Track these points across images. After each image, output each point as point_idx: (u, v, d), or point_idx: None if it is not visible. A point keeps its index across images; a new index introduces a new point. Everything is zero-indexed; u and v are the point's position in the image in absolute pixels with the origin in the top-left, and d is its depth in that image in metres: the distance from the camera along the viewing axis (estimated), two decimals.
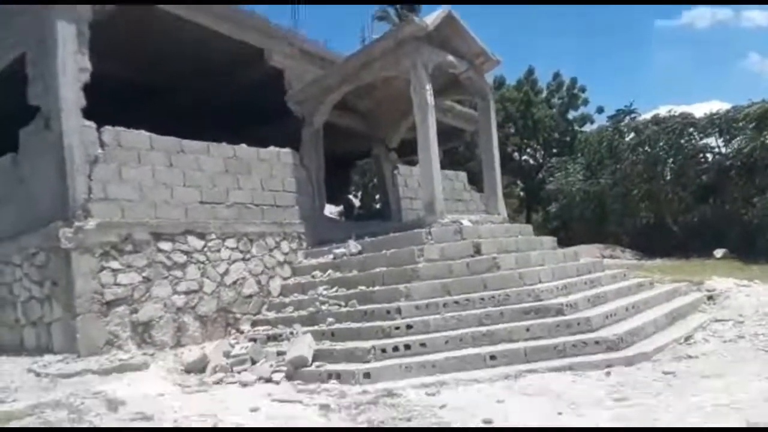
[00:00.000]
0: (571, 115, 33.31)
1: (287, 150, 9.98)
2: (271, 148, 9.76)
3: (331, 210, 21.91)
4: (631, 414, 4.30)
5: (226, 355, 7.18)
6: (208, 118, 12.03)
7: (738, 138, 16.98)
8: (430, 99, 8.99)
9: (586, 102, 32.66)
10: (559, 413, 4.56)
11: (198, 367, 6.90)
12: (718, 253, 15.53)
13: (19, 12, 7.83)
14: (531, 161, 34.82)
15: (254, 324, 8.51)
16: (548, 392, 5.20)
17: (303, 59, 10.65)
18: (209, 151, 8.77)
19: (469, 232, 8.76)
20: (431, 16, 9.29)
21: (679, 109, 19.47)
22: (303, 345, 6.86)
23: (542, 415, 4.55)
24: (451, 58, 9.66)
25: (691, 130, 18.01)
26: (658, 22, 68.76)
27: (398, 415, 4.78)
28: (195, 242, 8.23)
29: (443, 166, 15.75)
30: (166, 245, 7.87)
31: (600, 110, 32.25)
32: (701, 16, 73.13)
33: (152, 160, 8.00)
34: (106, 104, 9.54)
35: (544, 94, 33.03)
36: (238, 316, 8.58)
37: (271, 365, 6.78)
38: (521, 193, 35.34)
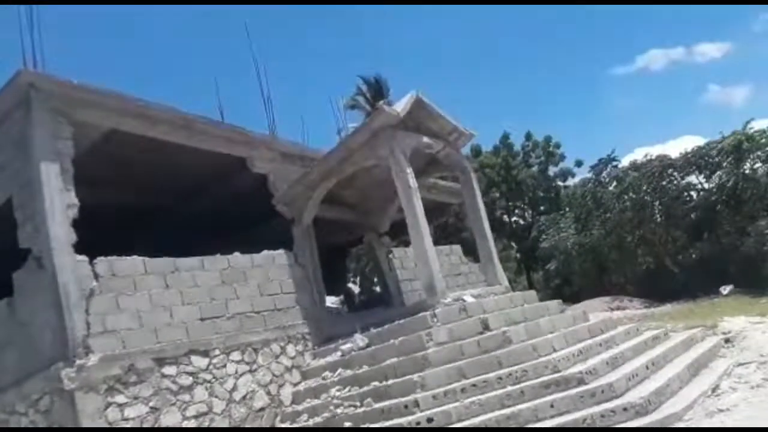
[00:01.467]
0: (552, 171, 34.05)
1: (281, 252, 10.00)
2: (265, 253, 9.77)
3: (332, 301, 21.76)
4: None
5: None
6: (203, 229, 12.16)
7: (718, 173, 17.35)
8: (413, 181, 9.16)
9: (563, 157, 33.50)
10: None
11: None
12: (725, 290, 15.44)
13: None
14: (521, 221, 35.14)
15: None
16: None
17: (284, 161, 10.90)
18: (204, 265, 8.75)
19: (474, 309, 8.66)
20: (401, 103, 9.65)
21: (655, 152, 20.05)
22: None
23: None
24: (426, 139, 9.94)
25: (671, 170, 18.41)
26: (612, 69, 71.80)
27: None
28: (199, 361, 8.04)
29: (436, 242, 15.80)
30: (170, 369, 7.67)
31: (579, 163, 32.99)
32: (654, 58, 76.63)
33: (148, 284, 7.95)
34: (106, 230, 9.74)
35: (521, 156, 33.86)
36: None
37: None
38: (517, 255, 35.39)
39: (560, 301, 10.23)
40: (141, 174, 10.04)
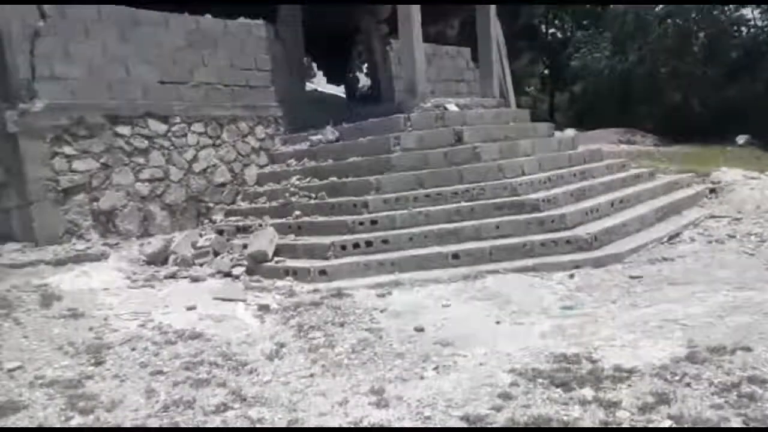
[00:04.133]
0: None
1: (260, 22, 9.09)
2: (241, 20, 8.90)
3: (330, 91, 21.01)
4: (570, 326, 3.97)
5: (194, 246, 7.00)
6: None
7: None
8: None
9: None
10: (497, 322, 4.26)
11: (159, 258, 6.73)
12: (740, 139, 14.54)
13: None
14: (559, 35, 32.47)
15: (228, 214, 8.24)
16: (499, 296, 4.89)
17: None
18: (168, 23, 7.97)
19: (454, 118, 8.10)
20: None
21: None
22: (264, 239, 6.60)
23: (479, 323, 4.27)
24: None
25: None
26: None
27: (333, 318, 4.55)
28: (157, 126, 7.76)
29: (457, 42, 14.57)
30: (124, 129, 7.42)
31: None
32: None
33: (102, 33, 7.30)
34: None
35: None
36: (211, 205, 8.30)
37: (232, 259, 6.59)
38: (545, 71, 33.37)
39: (552, 125, 9.54)
40: None
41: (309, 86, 24.93)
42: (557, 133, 10.67)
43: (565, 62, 28.68)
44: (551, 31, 32.42)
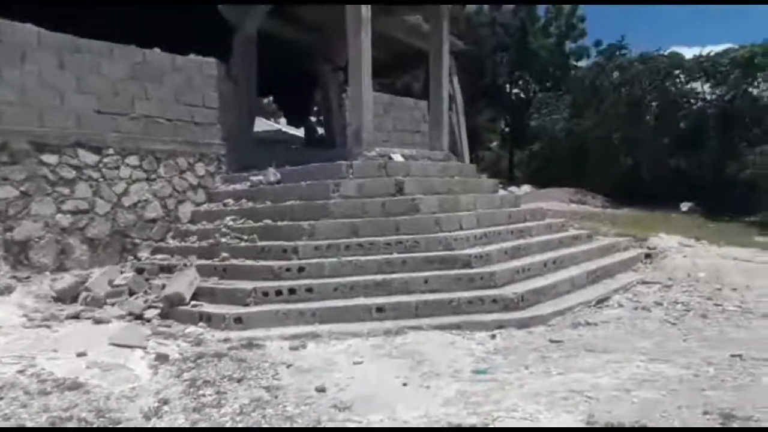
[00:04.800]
0: (568, 47, 31.67)
1: (211, 59, 9.00)
2: (192, 56, 8.79)
3: (293, 132, 20.99)
4: (476, 393, 3.77)
5: (110, 284, 6.62)
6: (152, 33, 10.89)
7: (723, 85, 15.95)
8: (366, 11, 8.00)
9: (583, 33, 30.94)
10: (405, 384, 4.05)
11: (69, 295, 6.33)
12: (684, 206, 14.96)
13: None
14: (522, 95, 33.47)
15: (155, 251, 7.90)
16: (414, 355, 4.68)
17: None
18: (113, 53, 7.81)
19: (397, 169, 8.04)
20: None
21: (690, 53, 18.28)
22: (184, 280, 6.29)
23: (386, 385, 4.04)
24: None
25: (678, 72, 16.91)
26: None
27: (233, 372, 4.25)
28: (88, 157, 7.46)
29: (420, 94, 14.72)
30: (51, 158, 7.10)
31: (598, 43, 30.34)
32: None
33: (40, 59, 7.08)
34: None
35: (542, 21, 31.21)
36: (138, 241, 7.95)
37: (147, 300, 6.24)
38: (506, 129, 34.23)
39: (498, 181, 9.60)
40: None
41: (273, 126, 24.99)
42: (502, 191, 10.75)
43: (527, 121, 29.52)
44: (515, 91, 33.42)
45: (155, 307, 6.06)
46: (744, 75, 14.75)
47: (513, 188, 25.41)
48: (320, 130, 17.11)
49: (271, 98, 23.24)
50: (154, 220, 8.13)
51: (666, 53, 17.67)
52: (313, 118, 18.76)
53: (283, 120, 24.04)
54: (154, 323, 5.72)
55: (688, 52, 17.88)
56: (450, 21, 10.08)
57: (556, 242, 8.00)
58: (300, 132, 20.96)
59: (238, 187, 8.63)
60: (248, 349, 4.84)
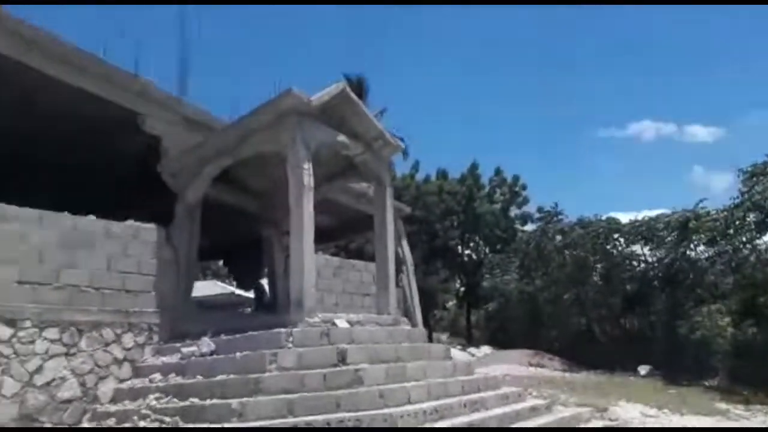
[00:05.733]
0: (513, 212, 33.32)
1: (150, 226, 8.76)
2: (129, 222, 8.55)
3: (247, 295, 20.48)
4: None
5: None
6: (98, 193, 10.83)
7: (662, 248, 16.68)
8: (308, 180, 8.06)
9: (527, 200, 32.79)
10: None
11: None
12: (643, 370, 14.69)
13: None
14: (474, 256, 34.29)
15: None
16: None
17: (189, 128, 9.69)
18: (41, 221, 7.49)
19: (340, 336, 7.58)
20: (322, 92, 8.58)
21: (626, 218, 19.33)
22: None
23: None
24: (342, 138, 8.88)
25: (617, 235, 17.69)
26: (602, 131, 72.24)
27: None
28: (1, 330, 6.77)
29: (371, 257, 14.77)
30: None
31: (540, 209, 32.25)
32: (646, 128, 77.54)
33: None
34: None
35: (487, 189, 33.08)
36: (47, 426, 6.97)
37: None
38: (461, 289, 34.50)
39: (448, 347, 9.19)
40: (16, 106, 8.73)
41: (227, 289, 24.35)
42: (458, 352, 10.33)
43: (480, 281, 29.92)
44: (467, 252, 34.27)
45: None
46: (680, 238, 15.53)
47: (472, 349, 24.92)
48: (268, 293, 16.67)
49: (221, 261, 23.05)
50: (69, 401, 7.23)
51: (603, 218, 18.63)
52: (263, 281, 18.35)
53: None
54: None
55: (624, 217, 19.05)
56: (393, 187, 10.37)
57: (513, 415, 7.43)
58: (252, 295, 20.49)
59: (167, 359, 7.91)
60: None
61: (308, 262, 8.00)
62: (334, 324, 7.93)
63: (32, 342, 7.06)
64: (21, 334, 6.97)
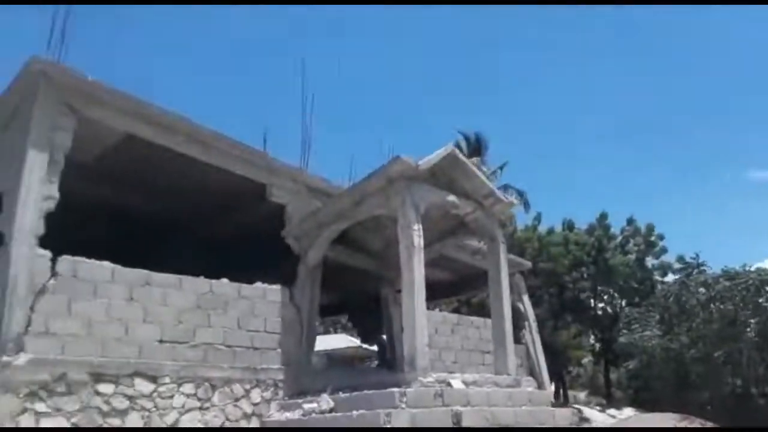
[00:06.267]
0: (650, 263, 30.90)
1: (276, 287, 9.35)
2: (257, 285, 9.19)
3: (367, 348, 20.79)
4: None
5: None
6: (221, 255, 11.85)
7: None
8: (418, 240, 8.20)
9: (664, 250, 30.29)
10: None
11: None
12: None
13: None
14: (609, 309, 32.08)
15: None
16: None
17: (308, 194, 10.34)
18: (181, 285, 8.28)
19: (455, 397, 7.46)
20: (430, 156, 8.81)
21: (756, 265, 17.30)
22: None
23: None
24: (451, 197, 8.99)
25: None
26: (753, 172, 65.61)
27: None
28: (143, 386, 7.47)
29: (488, 312, 14.59)
30: (107, 388, 7.14)
31: (680, 259, 29.56)
32: None
33: (110, 293, 7.56)
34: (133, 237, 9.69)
35: (618, 239, 31.12)
36: None
37: None
38: (596, 346, 32.25)
39: (573, 411, 8.60)
40: (162, 184, 9.93)
41: (354, 342, 24.93)
42: (597, 415, 9.58)
43: (616, 336, 27.79)
44: (600, 305, 32.17)
45: None
46: None
47: (613, 410, 22.98)
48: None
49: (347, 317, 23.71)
50: None
51: (752, 268, 16.70)
52: (384, 337, 18.56)
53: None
54: None
55: None
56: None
57: None
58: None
59: (290, 415, 8.23)
60: None
61: (420, 321, 8.03)
62: (449, 384, 7.81)
63: (171, 397, 7.71)
64: (161, 389, 7.64)
